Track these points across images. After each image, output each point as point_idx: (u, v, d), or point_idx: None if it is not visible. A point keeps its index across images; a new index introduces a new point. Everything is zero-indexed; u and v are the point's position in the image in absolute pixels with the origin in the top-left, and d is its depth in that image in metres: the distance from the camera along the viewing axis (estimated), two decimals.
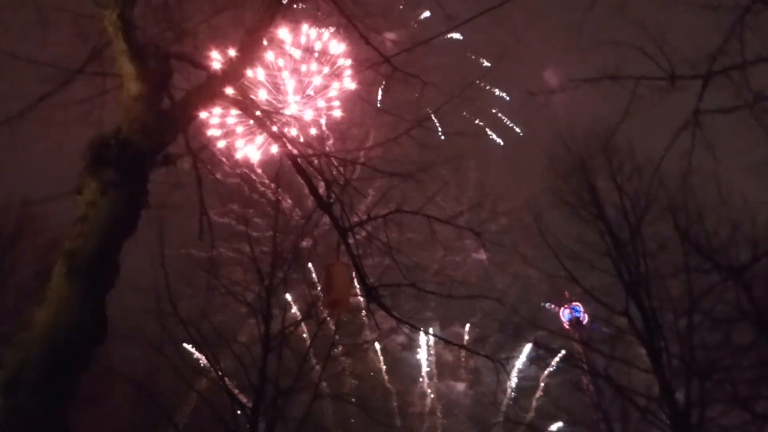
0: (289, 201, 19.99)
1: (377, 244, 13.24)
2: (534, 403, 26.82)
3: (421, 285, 13.54)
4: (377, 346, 27.22)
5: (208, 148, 11.65)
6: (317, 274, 19.48)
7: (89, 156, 6.74)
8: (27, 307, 5.85)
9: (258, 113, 10.56)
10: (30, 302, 5.83)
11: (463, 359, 32.56)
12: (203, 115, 11.44)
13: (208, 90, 9.03)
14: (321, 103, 14.21)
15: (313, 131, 13.27)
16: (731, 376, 17.47)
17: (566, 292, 22.29)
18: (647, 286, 18.76)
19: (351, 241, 12.40)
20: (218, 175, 12.86)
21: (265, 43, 10.08)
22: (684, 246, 18.49)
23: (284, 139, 11.01)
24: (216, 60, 10.76)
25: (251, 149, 14.86)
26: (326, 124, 13.59)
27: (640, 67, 10.66)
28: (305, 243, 20.40)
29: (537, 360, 20.02)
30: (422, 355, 34.06)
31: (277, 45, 10.45)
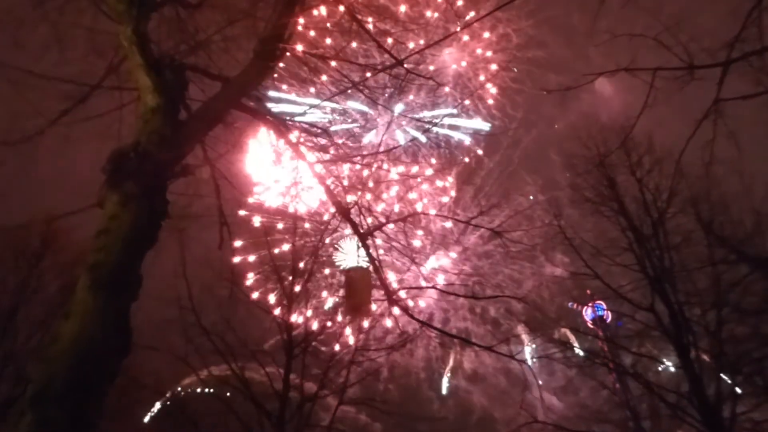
0: (308, 207, 19.96)
1: (397, 248, 13.22)
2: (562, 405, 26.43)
3: (443, 286, 13.47)
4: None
5: (226, 157, 11.65)
6: (338, 280, 19.45)
7: (109, 169, 6.81)
8: (53, 321, 5.91)
9: (275, 121, 10.57)
10: (56, 317, 5.91)
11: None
12: None
13: (224, 100, 9.09)
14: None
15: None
16: (762, 368, 17.12)
17: (588, 290, 22.01)
18: (672, 280, 18.46)
19: (370, 244, 12.38)
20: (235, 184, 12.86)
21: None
22: (708, 238, 18.17)
23: (301, 146, 10.99)
24: (231, 70, 10.79)
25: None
26: (342, 129, 13.61)
27: (657, 59, 10.51)
28: (326, 248, 20.43)
29: (563, 360, 19.69)
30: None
31: (292, 53, 10.42)
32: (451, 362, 27.08)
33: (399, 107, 12.56)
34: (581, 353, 20.05)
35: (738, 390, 16.93)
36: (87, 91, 9.76)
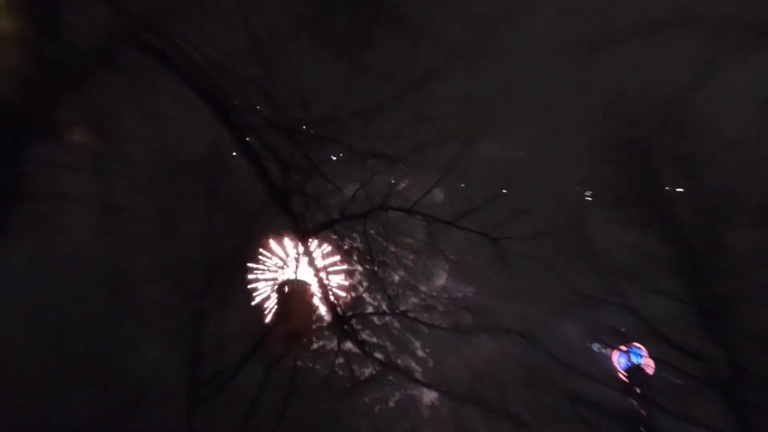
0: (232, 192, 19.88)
1: (353, 254, 13.30)
2: None
3: (415, 313, 13.59)
4: None
5: (118, 116, 11.57)
6: (270, 296, 19.43)
7: None
8: None
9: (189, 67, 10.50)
10: None
11: None
12: None
13: (115, 33, 9.01)
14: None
15: None
16: None
17: (622, 329, 22.25)
18: (732, 316, 18.81)
19: (316, 249, 12.46)
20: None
21: None
22: None
23: (224, 105, 10.97)
24: None
25: None
26: (287, 87, 13.58)
27: (723, 12, 10.72)
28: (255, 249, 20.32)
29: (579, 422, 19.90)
30: None
31: None
32: None
33: None
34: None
35: None
36: None
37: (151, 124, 12.64)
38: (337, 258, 13.61)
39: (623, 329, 22.35)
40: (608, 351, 24.61)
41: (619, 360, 24.90)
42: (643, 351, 24.09)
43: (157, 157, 16.83)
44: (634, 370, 24.75)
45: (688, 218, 19.79)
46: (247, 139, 11.65)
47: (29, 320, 18.39)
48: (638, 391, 23.63)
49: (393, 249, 14.51)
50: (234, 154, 15.11)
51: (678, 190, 20.10)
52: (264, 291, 18.95)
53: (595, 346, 23.40)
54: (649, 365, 24.45)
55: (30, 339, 18.44)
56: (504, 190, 16.21)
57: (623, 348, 24.52)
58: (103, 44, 8.86)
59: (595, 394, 20.54)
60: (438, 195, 14.07)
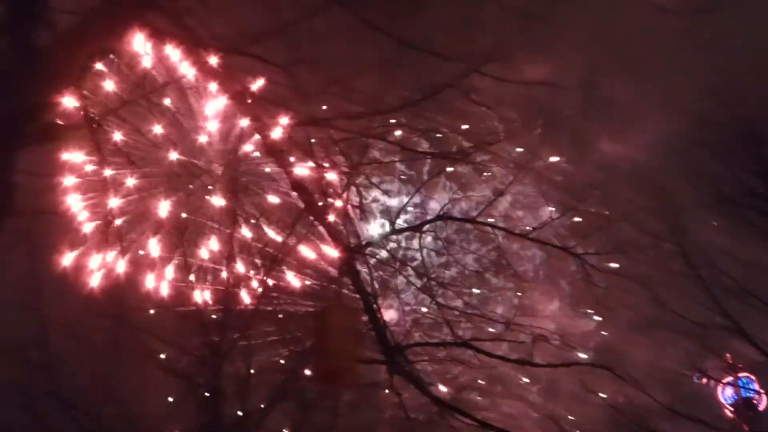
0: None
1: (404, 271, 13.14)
2: None
3: (476, 343, 13.43)
4: None
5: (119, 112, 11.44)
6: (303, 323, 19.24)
7: None
8: None
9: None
10: None
11: None
12: None
13: (115, 13, 8.88)
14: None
15: None
16: None
17: (728, 355, 21.95)
18: None
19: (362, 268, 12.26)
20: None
21: None
22: None
23: (249, 98, 10.79)
24: None
25: None
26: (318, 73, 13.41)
27: None
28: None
29: None
30: None
31: None
32: None
33: None
34: None
35: None
36: None
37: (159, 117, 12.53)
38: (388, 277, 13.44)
39: (731, 358, 22.02)
40: (712, 383, 24.38)
41: (724, 393, 24.62)
42: (755, 382, 23.79)
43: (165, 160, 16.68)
44: (743, 405, 24.46)
45: None
46: (275, 138, 11.38)
47: (13, 358, 18.19)
48: (747, 430, 23.46)
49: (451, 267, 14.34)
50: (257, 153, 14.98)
51: None
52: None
53: (696, 377, 23.10)
54: (760, 400, 24.15)
55: (14, 381, 18.29)
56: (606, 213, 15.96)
57: (730, 379, 24.30)
58: (99, 28, 8.71)
59: None
60: (508, 203, 13.84)
